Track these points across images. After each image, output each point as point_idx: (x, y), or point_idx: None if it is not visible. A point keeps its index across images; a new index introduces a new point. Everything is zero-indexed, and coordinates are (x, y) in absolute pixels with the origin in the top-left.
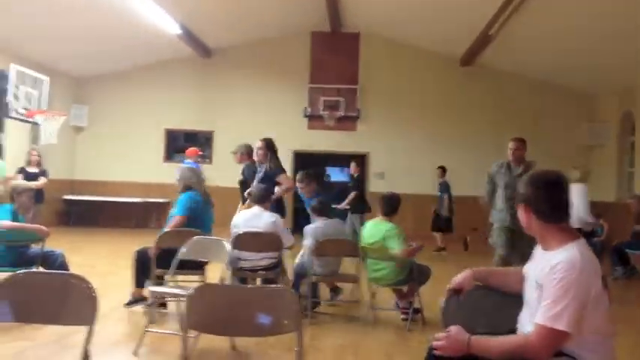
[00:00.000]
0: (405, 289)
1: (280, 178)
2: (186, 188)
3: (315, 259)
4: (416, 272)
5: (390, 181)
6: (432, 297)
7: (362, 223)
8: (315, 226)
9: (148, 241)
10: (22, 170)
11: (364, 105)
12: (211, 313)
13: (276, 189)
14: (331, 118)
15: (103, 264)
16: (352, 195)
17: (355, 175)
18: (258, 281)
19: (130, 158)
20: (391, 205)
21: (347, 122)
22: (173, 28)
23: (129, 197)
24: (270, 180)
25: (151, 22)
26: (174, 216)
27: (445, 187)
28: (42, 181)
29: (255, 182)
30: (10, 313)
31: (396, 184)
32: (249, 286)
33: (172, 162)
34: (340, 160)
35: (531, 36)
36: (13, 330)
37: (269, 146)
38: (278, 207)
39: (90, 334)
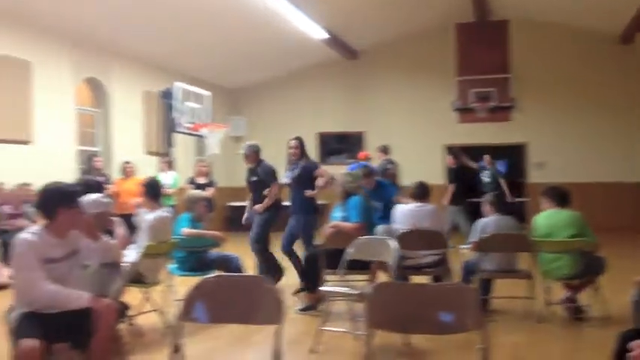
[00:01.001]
0: (579, 282)
1: (320, 172)
2: (348, 194)
3: (483, 255)
4: (593, 264)
5: (551, 171)
6: (612, 290)
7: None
8: (488, 220)
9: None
10: (191, 181)
11: (518, 94)
12: (391, 312)
13: (318, 181)
14: (483, 109)
15: None
16: (450, 188)
17: (455, 167)
18: (422, 279)
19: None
20: (564, 196)
21: (500, 113)
22: (319, 34)
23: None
24: (308, 175)
25: (297, 30)
26: (355, 222)
27: None
28: (211, 190)
29: (288, 180)
30: (205, 315)
31: (560, 174)
32: (431, 283)
33: (327, 164)
34: (495, 151)
35: None
36: (198, 331)
37: (302, 144)
38: (311, 204)
39: (279, 332)
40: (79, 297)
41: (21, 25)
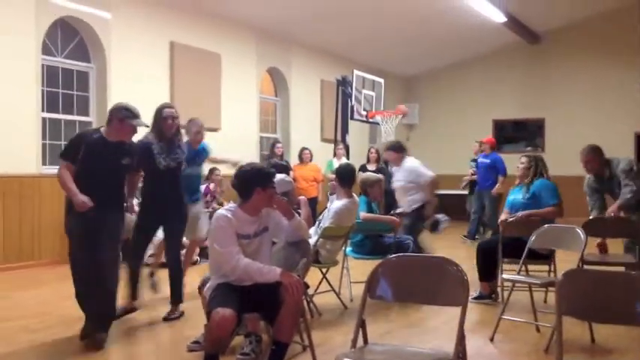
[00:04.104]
0: None
1: None
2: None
3: None
4: None
5: None
6: None
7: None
8: None
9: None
10: (362, 168)
11: None
12: (585, 300)
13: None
14: None
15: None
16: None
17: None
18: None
19: (459, 152)
20: None
21: None
22: (498, 17)
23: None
24: None
25: (476, 15)
26: (551, 205)
27: None
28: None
29: None
30: (390, 293)
31: None
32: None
33: (502, 153)
34: None
35: None
36: (373, 313)
37: None
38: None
39: (463, 314)
40: (270, 271)
41: (213, 21)
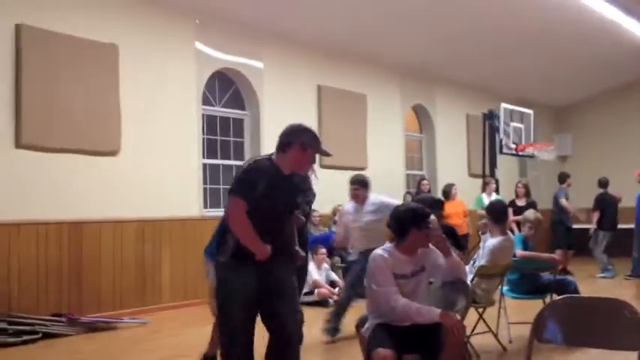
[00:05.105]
0: None
1: None
2: None
3: None
4: None
5: None
6: None
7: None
8: None
9: None
10: (511, 203)
11: None
12: None
13: None
14: None
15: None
16: None
17: None
18: None
19: (616, 183)
20: None
21: None
22: None
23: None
24: None
25: (630, 39)
26: None
27: None
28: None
29: None
30: (560, 336)
31: None
32: None
33: None
34: None
35: None
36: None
37: None
38: None
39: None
40: (429, 311)
41: (358, 62)
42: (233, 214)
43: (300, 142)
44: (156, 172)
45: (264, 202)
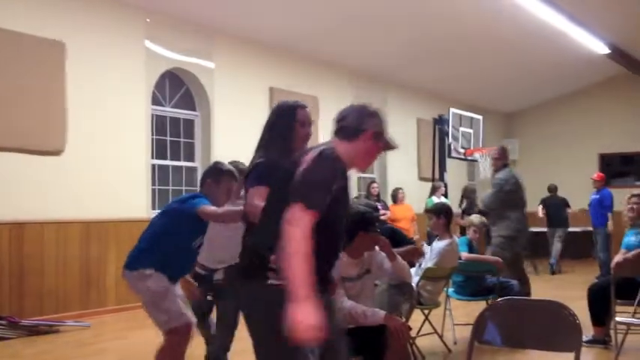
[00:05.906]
0: None
1: None
2: None
3: None
4: None
5: None
6: None
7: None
8: None
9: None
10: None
11: None
12: None
13: None
14: None
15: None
16: None
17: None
18: None
19: (566, 185)
20: None
21: None
22: (600, 49)
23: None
24: None
25: (577, 47)
26: None
27: None
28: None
29: None
30: (499, 338)
31: None
32: None
33: (611, 187)
34: None
35: None
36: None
37: None
38: None
39: None
40: (374, 314)
41: (311, 64)
42: (295, 234)
43: (374, 130)
44: (103, 172)
45: (335, 210)
